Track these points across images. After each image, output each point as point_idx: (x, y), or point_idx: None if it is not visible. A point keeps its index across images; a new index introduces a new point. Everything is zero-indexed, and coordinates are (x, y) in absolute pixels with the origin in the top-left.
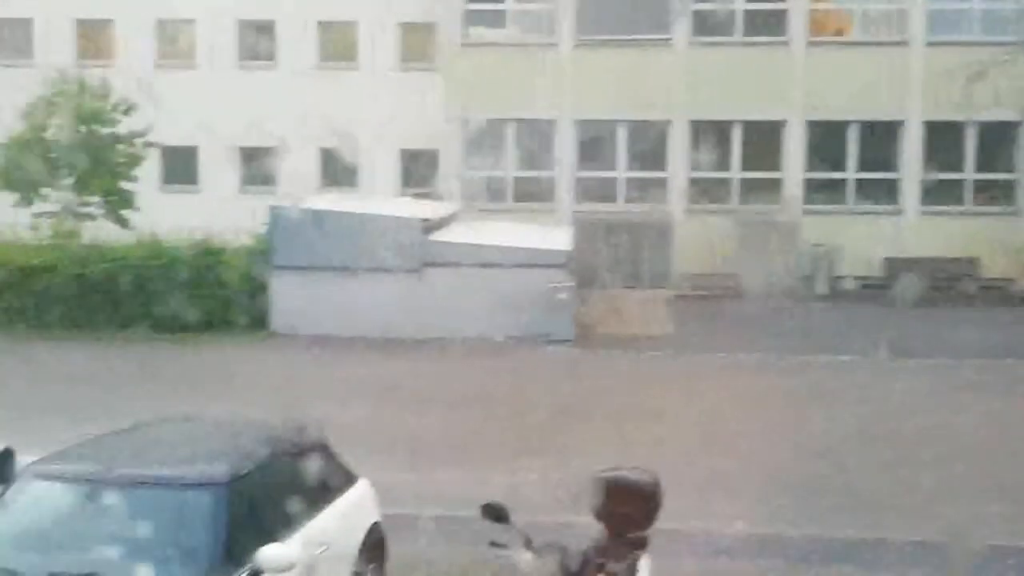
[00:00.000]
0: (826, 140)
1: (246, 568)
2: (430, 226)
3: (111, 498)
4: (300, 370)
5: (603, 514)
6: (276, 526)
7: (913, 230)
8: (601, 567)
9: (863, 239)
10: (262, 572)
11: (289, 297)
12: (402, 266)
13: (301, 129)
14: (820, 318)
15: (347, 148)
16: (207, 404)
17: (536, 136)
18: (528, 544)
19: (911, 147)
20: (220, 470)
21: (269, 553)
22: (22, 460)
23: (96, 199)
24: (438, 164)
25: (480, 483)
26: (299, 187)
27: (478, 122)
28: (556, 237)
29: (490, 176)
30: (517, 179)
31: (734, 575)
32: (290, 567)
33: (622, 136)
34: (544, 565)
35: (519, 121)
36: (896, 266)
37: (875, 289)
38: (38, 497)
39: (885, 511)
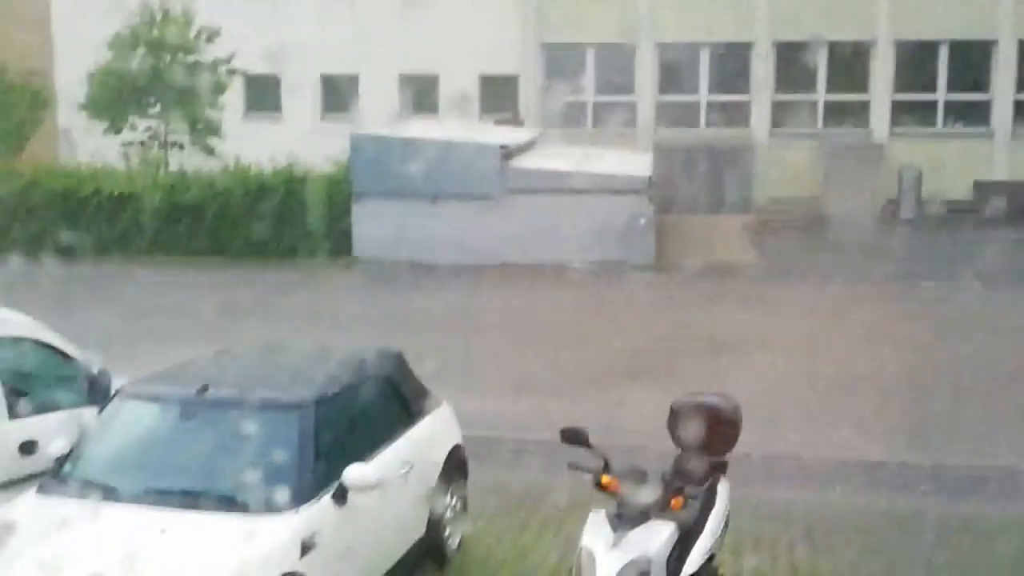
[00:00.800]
0: (915, 61)
1: (332, 487)
2: (510, 153)
3: (202, 419)
4: (382, 296)
5: (683, 439)
6: (360, 447)
7: (1004, 153)
8: (680, 491)
9: (952, 162)
10: (347, 491)
11: (371, 224)
12: (482, 193)
13: (381, 57)
14: (907, 243)
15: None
16: (289, 329)
17: (616, 60)
18: (607, 467)
19: (1004, 67)
20: (305, 392)
21: (354, 472)
22: (117, 382)
23: (182, 127)
24: (518, 90)
25: (570, 411)
26: (379, 115)
27: (558, 47)
28: (637, 163)
29: (570, 102)
30: (597, 104)
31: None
32: (374, 486)
33: (704, 59)
34: (622, 488)
35: (599, 45)
36: (986, 190)
37: (963, 213)
38: (131, 417)
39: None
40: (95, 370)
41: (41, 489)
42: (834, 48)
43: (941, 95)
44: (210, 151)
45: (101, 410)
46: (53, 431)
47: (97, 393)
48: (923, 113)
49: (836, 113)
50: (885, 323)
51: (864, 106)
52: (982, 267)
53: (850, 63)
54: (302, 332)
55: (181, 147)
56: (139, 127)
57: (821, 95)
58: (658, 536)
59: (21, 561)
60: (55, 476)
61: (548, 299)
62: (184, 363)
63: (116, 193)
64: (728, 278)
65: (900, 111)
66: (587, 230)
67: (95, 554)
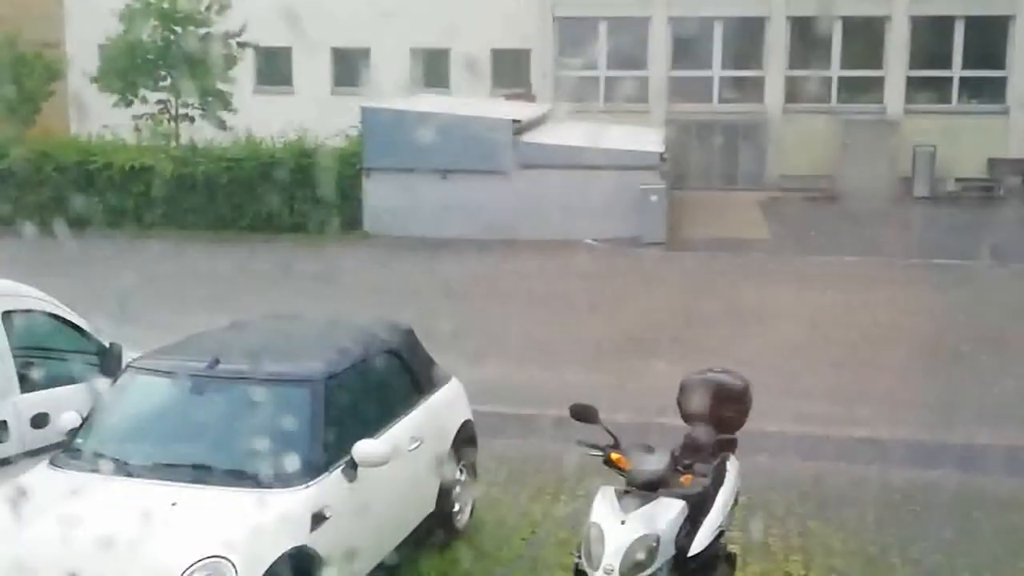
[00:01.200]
0: (931, 37)
1: (341, 462)
2: (522, 127)
3: (211, 393)
4: (392, 270)
5: (692, 415)
6: (370, 422)
7: (1019, 130)
8: (689, 467)
9: (967, 139)
10: (357, 465)
11: (381, 198)
12: (494, 168)
13: (393, 30)
14: (921, 220)
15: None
16: (302, 303)
17: (629, 34)
18: (616, 444)
19: (1020, 44)
20: (316, 367)
21: (364, 448)
22: (128, 356)
23: (193, 100)
24: (530, 64)
25: (581, 384)
26: (391, 89)
27: (570, 20)
28: (649, 138)
29: (582, 76)
30: (609, 79)
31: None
32: (384, 461)
33: (717, 34)
34: (631, 464)
35: (612, 19)
36: (1001, 167)
37: (978, 191)
38: (142, 391)
39: None
40: (107, 343)
41: (53, 461)
42: (849, 23)
43: (956, 71)
44: (221, 124)
45: (112, 383)
46: (65, 404)
47: (109, 366)
48: (938, 89)
49: (850, 89)
50: (897, 299)
51: (879, 82)
52: (996, 244)
53: (865, 38)
54: (311, 307)
55: (192, 119)
56: (150, 100)
57: (835, 71)
58: (667, 512)
59: (33, 528)
60: (67, 449)
61: (558, 274)
62: (195, 336)
63: (128, 166)
64: (741, 254)
65: (915, 87)
66: (599, 205)
67: (106, 523)
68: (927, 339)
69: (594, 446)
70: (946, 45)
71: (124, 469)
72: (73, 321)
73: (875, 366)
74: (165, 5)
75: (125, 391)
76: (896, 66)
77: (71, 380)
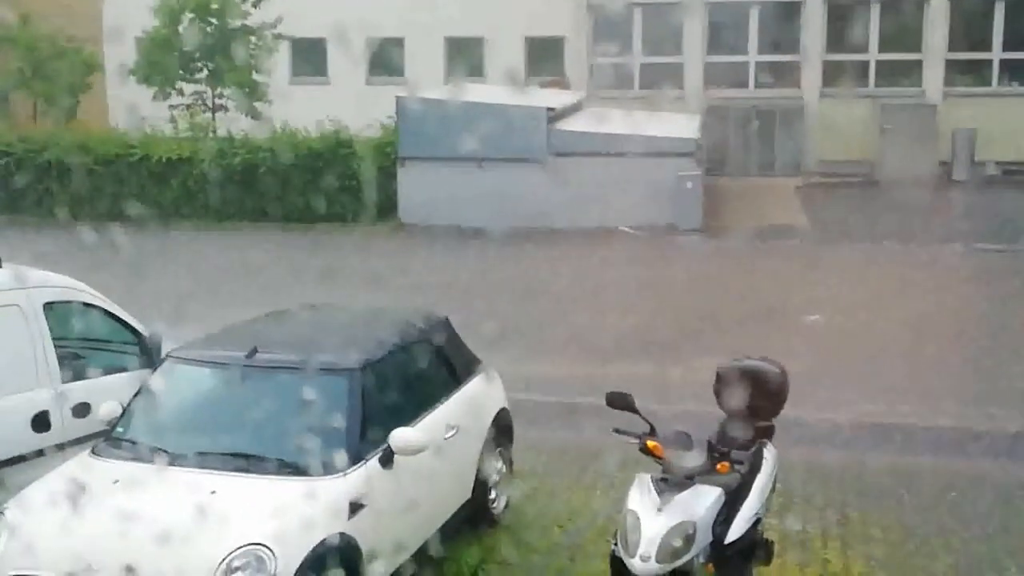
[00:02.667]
0: (970, 19)
1: (379, 450)
2: (556, 115)
3: (249, 382)
4: (428, 260)
5: (728, 403)
6: (407, 410)
7: None
8: (725, 455)
9: (1007, 123)
10: (394, 454)
11: (416, 188)
12: (529, 156)
13: (427, 20)
14: (961, 205)
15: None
16: (337, 293)
17: (664, 21)
18: (652, 432)
19: None
20: (353, 356)
21: (400, 436)
22: (167, 345)
23: (229, 92)
24: (564, 51)
25: (624, 374)
26: (425, 79)
27: (605, 8)
28: (684, 125)
29: (617, 63)
30: (644, 66)
31: None
32: (420, 449)
33: (753, 18)
34: (667, 451)
35: (647, 5)
36: None
37: (1018, 175)
38: (181, 381)
39: None
40: (147, 333)
41: (95, 450)
42: (886, 5)
43: (996, 54)
44: (257, 115)
45: (152, 373)
46: (106, 394)
47: (150, 357)
48: (978, 72)
49: (888, 73)
50: (938, 285)
51: (917, 65)
52: None
53: (903, 21)
54: (348, 297)
55: (226, 110)
56: (186, 92)
57: (873, 55)
58: (704, 500)
59: (80, 517)
60: (108, 438)
61: (596, 263)
62: (233, 325)
63: (165, 158)
64: (779, 240)
65: (954, 70)
66: (635, 193)
67: (147, 511)
68: (979, 325)
69: (630, 433)
70: (986, 27)
71: (164, 458)
72: (113, 312)
73: (926, 354)
74: None
75: (165, 381)
76: (935, 49)
77: (112, 370)
